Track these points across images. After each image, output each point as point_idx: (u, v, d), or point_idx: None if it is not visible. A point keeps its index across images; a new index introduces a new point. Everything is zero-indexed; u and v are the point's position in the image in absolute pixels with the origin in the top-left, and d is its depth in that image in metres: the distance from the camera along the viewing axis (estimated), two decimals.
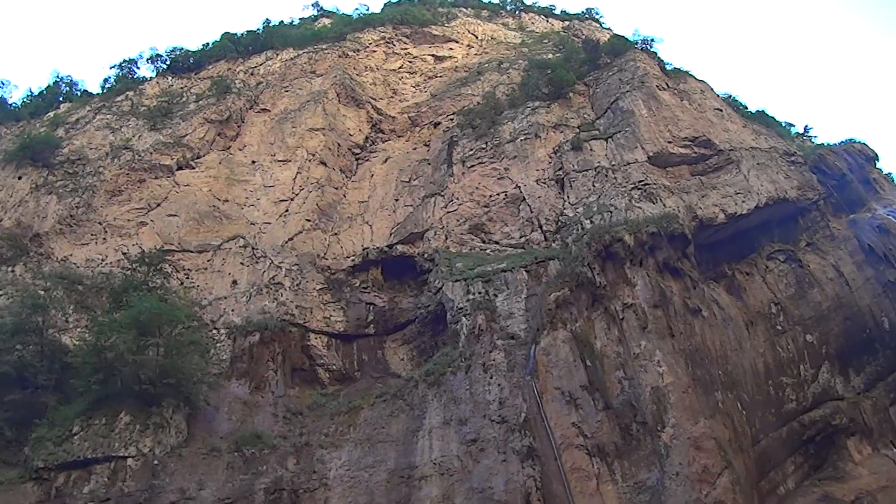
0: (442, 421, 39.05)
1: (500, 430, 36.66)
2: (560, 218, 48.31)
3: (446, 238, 53.02)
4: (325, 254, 56.04)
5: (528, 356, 39.50)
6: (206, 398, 41.05)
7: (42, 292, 43.56)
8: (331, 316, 52.15)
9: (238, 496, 35.83)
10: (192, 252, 53.90)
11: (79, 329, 43.56)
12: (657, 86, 56.36)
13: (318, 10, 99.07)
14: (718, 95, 62.60)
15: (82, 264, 51.63)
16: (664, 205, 44.54)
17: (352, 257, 55.79)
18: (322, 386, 47.93)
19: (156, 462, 35.73)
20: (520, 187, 52.35)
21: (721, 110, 58.09)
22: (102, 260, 52.32)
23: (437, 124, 64.13)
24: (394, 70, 74.69)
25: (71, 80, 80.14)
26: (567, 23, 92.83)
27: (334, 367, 49.51)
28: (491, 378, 39.60)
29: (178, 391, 38.38)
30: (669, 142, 51.63)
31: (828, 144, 61.75)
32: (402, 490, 36.53)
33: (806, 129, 73.75)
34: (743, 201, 48.18)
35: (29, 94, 79.08)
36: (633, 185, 46.81)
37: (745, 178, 49.70)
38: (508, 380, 39.05)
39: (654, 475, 32.05)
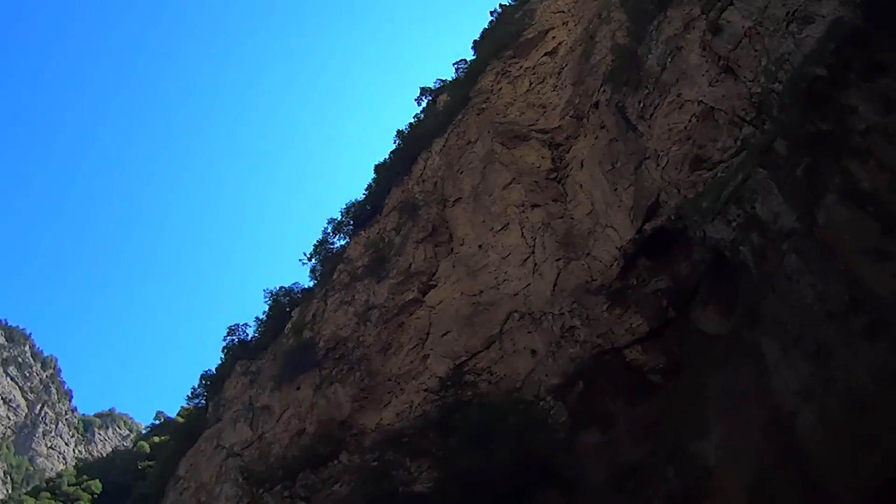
0: (780, 351, 36.68)
1: (834, 326, 33.66)
2: (753, 100, 44.44)
3: (678, 190, 50.92)
4: (591, 277, 56.40)
5: (816, 240, 36.32)
6: (567, 462, 43.70)
7: (375, 463, 49.14)
8: (631, 324, 52.15)
9: None
10: (481, 352, 57.43)
11: (424, 473, 48.62)
12: None
13: (430, 95, 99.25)
14: None
15: (395, 421, 57.38)
16: (822, 16, 38.17)
17: (614, 263, 55.41)
18: (660, 389, 47.54)
19: None
20: (701, 101, 49.02)
21: None
22: (411, 407, 57.42)
23: (596, 105, 62.23)
24: (527, 90, 74.20)
25: (285, 289, 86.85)
26: None
27: (661, 365, 49.17)
28: (798, 283, 36.64)
29: (539, 472, 42.46)
30: None
31: None
32: None
33: None
34: None
35: (258, 321, 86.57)
36: (785, 22, 41.06)
37: None
38: (814, 274, 35.88)
39: None
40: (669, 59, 52.75)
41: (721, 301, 47.47)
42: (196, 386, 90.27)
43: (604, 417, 46.99)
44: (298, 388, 65.89)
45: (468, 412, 48.17)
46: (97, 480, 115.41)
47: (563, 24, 76.09)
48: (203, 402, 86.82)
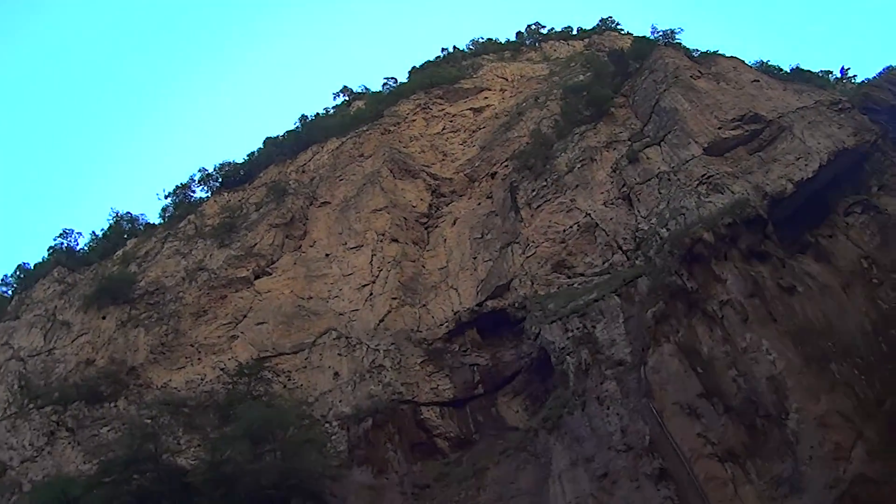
0: (569, 463, 38.41)
1: (628, 459, 35.80)
2: (636, 234, 47.57)
3: (532, 283, 52.65)
4: (418, 327, 56.44)
5: (640, 378, 38.62)
6: (331, 491, 41.71)
7: (149, 421, 45.66)
8: (438, 385, 52.34)
9: None
10: (288, 354, 55.72)
11: (192, 449, 45.55)
12: (691, 76, 55.54)
13: (348, 96, 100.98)
14: (751, 66, 61.12)
15: (182, 387, 54.18)
16: (732, 192, 43.25)
17: (445, 324, 55.90)
18: (444, 455, 47.83)
19: None
20: (590, 214, 51.91)
21: (758, 81, 56.27)
22: (202, 379, 54.70)
23: (493, 175, 64.53)
24: (438, 133, 75.92)
25: (132, 216, 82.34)
26: (587, 40, 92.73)
27: (452, 434, 49.40)
28: (608, 409, 38.86)
29: (302, 490, 39.17)
30: (719, 128, 50.37)
31: (869, 80, 58.76)
32: None
33: (843, 71, 70.42)
34: (806, 164, 45.84)
35: (93, 236, 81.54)
36: (697, 182, 45.63)
37: (801, 142, 47.50)
38: (626, 407, 38.26)
39: (789, 465, 30.77)
40: (579, 165, 55.49)
41: (530, 398, 49.09)
42: (9, 274, 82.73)
43: (381, 462, 46.21)
44: (104, 318, 61.28)
45: (254, 407, 45.91)
46: None
47: (501, 90, 78.88)
48: (10, 292, 79.34)
